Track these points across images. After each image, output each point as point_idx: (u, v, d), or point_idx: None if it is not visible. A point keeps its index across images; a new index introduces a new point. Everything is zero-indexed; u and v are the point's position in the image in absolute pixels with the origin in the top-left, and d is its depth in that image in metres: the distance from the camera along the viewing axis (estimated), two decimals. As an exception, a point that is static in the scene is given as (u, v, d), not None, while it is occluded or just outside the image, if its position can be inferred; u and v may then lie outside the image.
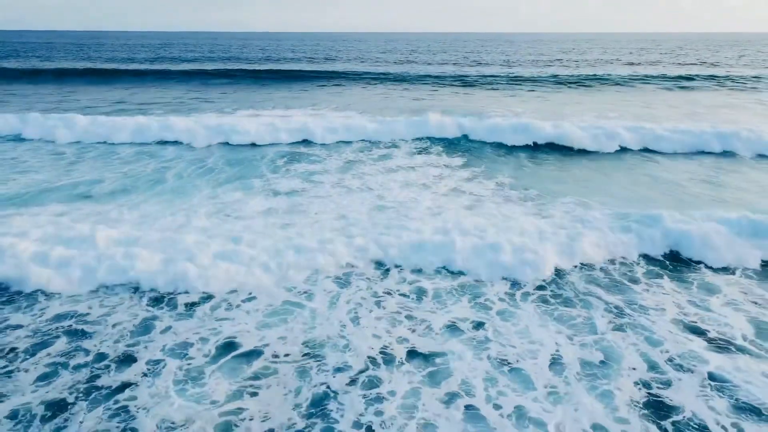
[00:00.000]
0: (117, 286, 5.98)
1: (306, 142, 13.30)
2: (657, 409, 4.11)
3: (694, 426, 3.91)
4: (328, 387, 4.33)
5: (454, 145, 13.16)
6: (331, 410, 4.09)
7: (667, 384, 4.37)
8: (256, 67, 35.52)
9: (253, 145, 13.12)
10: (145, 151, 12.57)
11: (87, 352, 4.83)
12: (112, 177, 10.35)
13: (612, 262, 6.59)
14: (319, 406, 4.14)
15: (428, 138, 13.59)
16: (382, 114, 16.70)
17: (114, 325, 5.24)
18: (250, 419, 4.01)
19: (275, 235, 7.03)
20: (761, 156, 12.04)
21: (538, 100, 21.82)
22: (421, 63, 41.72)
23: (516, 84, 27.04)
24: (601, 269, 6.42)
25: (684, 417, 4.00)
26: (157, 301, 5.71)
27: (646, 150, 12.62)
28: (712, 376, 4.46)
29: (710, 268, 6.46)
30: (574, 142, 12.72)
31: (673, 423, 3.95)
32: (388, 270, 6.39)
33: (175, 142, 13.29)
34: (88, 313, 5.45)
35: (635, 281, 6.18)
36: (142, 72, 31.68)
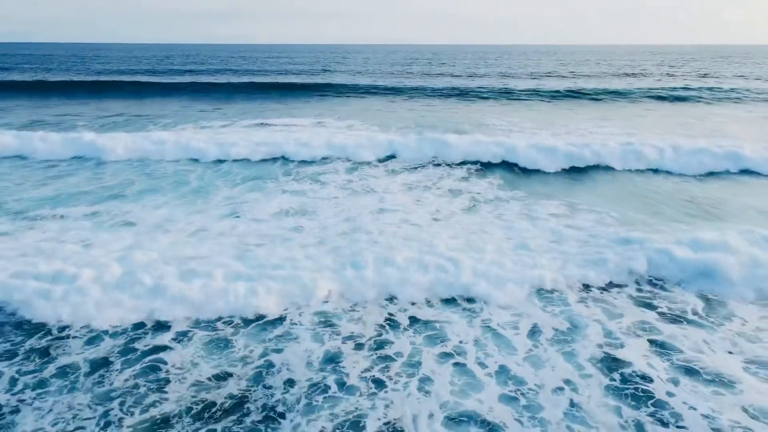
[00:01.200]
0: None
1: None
2: (610, 362, 4.99)
3: (639, 376, 4.79)
4: (339, 349, 5.16)
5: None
6: (344, 366, 4.91)
7: (621, 346, 5.24)
8: (258, 79, 36.11)
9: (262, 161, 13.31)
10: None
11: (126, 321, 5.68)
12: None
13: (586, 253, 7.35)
14: (332, 362, 4.98)
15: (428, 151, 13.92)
16: (382, 125, 17.52)
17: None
18: (278, 372, 4.83)
19: (290, 238, 7.76)
20: (746, 171, 12.31)
21: (536, 111, 22.58)
22: (421, 75, 42.65)
23: (513, 95, 27.85)
24: (578, 260, 7.17)
25: (631, 370, 4.86)
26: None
27: (641, 164, 12.75)
28: (657, 342, 5.30)
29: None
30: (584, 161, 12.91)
31: (621, 374, 4.82)
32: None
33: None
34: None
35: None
36: (145, 84, 32.11)
